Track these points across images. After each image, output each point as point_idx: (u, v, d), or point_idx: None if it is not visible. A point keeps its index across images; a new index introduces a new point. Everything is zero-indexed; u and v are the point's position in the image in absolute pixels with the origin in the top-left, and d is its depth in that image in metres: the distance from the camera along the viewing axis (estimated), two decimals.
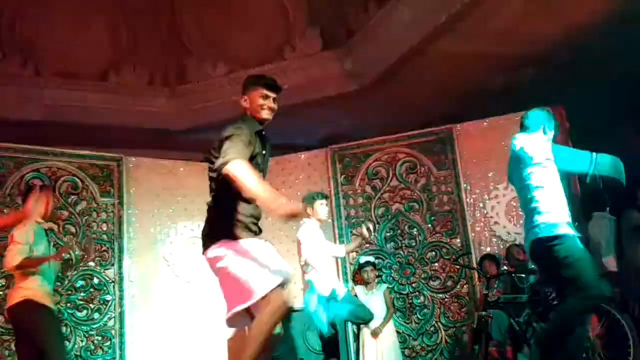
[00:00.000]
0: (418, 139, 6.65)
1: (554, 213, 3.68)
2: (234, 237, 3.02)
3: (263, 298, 2.88)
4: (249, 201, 3.10)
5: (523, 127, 3.99)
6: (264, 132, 3.24)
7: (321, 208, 5.31)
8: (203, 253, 3.10)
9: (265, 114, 3.25)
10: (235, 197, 3.06)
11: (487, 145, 6.38)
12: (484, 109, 6.59)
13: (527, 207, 3.82)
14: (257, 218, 3.19)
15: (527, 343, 4.70)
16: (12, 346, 4.87)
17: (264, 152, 3.25)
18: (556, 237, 3.62)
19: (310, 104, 6.95)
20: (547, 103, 5.66)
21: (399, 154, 6.67)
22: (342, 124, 7.31)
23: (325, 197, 5.47)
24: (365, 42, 6.45)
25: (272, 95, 3.28)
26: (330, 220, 6.39)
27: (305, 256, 5.13)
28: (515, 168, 3.92)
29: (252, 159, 3.06)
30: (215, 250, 3.02)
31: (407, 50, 5.94)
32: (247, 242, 3.03)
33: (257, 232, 3.16)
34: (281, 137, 7.39)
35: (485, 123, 6.49)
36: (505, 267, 5.83)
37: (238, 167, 2.85)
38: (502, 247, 6.16)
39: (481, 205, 6.32)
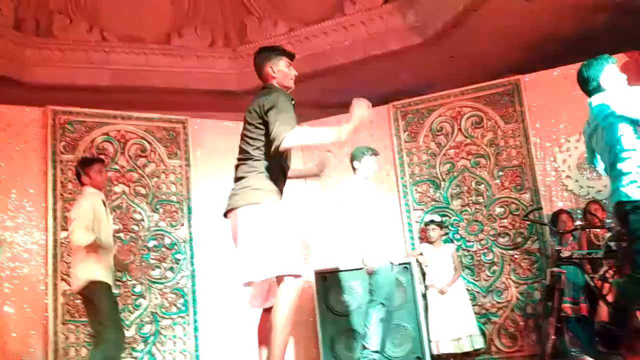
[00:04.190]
0: (484, 91, 6.44)
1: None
2: (268, 200, 3.12)
3: (279, 278, 3.03)
4: (282, 169, 3.27)
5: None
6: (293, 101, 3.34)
7: (369, 164, 5.08)
8: (230, 211, 3.20)
9: (292, 82, 3.45)
10: (271, 163, 3.21)
11: (557, 96, 6.12)
12: (554, 58, 6.31)
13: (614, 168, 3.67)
14: (281, 189, 3.29)
15: (604, 300, 4.57)
16: None
17: None
18: (635, 204, 3.47)
19: (372, 60, 6.82)
20: (621, 49, 5.39)
21: (464, 108, 6.48)
22: (404, 79, 7.15)
23: (376, 153, 5.19)
24: None
25: (292, 63, 3.48)
26: (389, 176, 6.37)
27: (348, 217, 5.01)
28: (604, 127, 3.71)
29: None
30: (248, 208, 3.11)
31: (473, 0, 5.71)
32: (281, 208, 3.15)
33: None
34: (342, 94, 7.34)
35: (555, 72, 6.23)
36: (579, 223, 5.64)
37: (294, 138, 3.02)
38: (574, 201, 5.96)
39: (552, 158, 6.11)
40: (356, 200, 4.97)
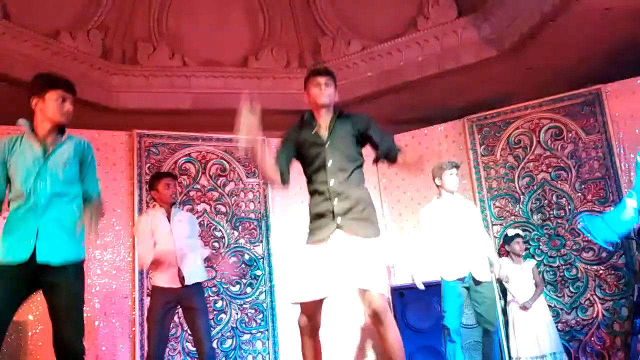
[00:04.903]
0: (563, 102, 6.29)
1: None
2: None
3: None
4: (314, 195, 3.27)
5: None
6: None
7: (450, 178, 5.05)
8: None
9: (322, 99, 3.29)
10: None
11: None
12: (636, 66, 6.08)
13: None
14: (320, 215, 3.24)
15: None
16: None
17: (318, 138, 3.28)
18: None
19: (446, 74, 6.77)
20: None
21: (543, 119, 6.35)
22: (479, 93, 7.05)
23: (456, 166, 5.13)
24: (503, 4, 6.15)
25: (323, 80, 3.29)
26: (466, 191, 6.29)
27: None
28: None
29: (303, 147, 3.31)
30: None
31: (550, 10, 5.58)
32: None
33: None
34: (417, 110, 7.34)
35: (638, 81, 6.00)
36: None
37: None
38: None
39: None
40: (441, 220, 5.04)
